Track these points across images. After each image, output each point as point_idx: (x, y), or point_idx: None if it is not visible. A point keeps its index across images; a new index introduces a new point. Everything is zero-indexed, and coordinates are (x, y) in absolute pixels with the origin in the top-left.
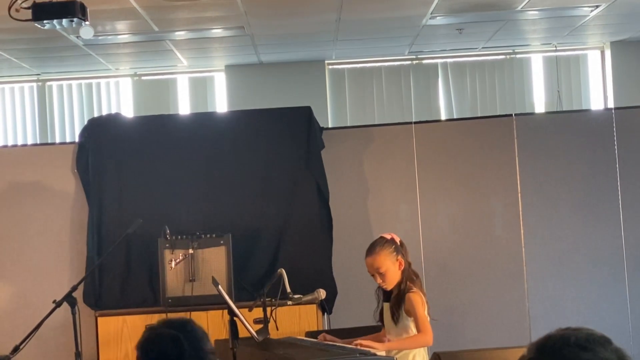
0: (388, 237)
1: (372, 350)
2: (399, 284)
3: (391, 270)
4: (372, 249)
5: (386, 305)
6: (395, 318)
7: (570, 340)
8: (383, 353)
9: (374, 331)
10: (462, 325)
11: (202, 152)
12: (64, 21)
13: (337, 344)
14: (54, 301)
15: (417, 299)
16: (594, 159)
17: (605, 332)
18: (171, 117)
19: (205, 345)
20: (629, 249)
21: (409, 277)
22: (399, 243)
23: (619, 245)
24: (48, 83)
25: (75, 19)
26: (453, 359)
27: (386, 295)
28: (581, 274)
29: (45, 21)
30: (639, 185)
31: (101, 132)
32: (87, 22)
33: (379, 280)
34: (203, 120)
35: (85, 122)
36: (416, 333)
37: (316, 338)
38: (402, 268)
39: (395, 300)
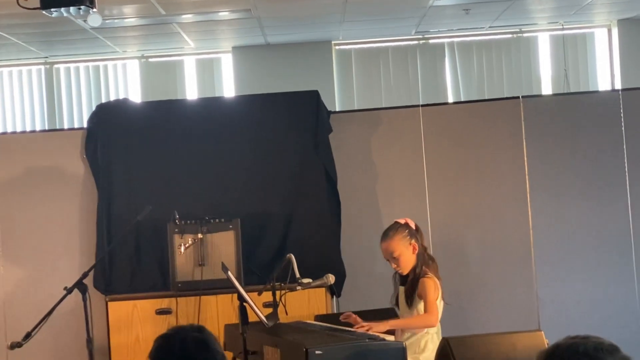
0: (402, 222)
1: (373, 330)
2: (414, 268)
3: (405, 254)
4: (386, 234)
5: (402, 289)
6: (409, 302)
7: (579, 350)
8: (391, 337)
9: (382, 314)
10: (471, 308)
11: (210, 137)
12: (72, 9)
13: (346, 329)
14: (65, 288)
15: (430, 284)
16: (601, 141)
17: (613, 314)
18: (179, 102)
19: (221, 349)
20: (636, 230)
21: (425, 261)
22: (414, 227)
23: (626, 227)
24: (56, 66)
25: (83, 7)
26: (462, 344)
27: (403, 279)
28: (589, 255)
29: (53, 9)
30: None
31: (109, 118)
32: (94, 10)
33: (394, 265)
34: (211, 105)
35: (93, 105)
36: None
37: (328, 322)
38: (417, 252)
39: (410, 284)
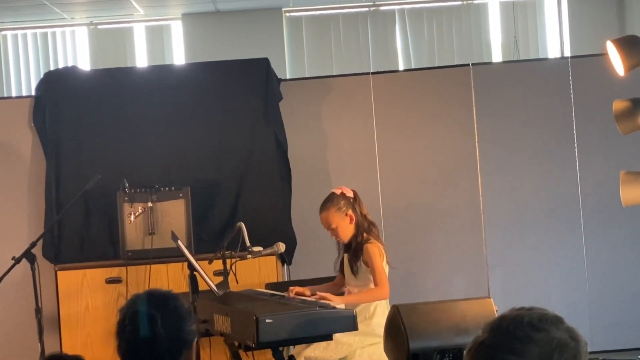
0: (337, 192)
1: (331, 304)
2: (355, 237)
3: (342, 225)
4: (322, 206)
5: (346, 256)
6: (355, 270)
7: (524, 321)
8: (342, 305)
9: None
10: (421, 274)
11: (160, 105)
12: None
13: (297, 297)
14: (13, 257)
15: (375, 250)
16: (551, 108)
17: (562, 277)
18: (129, 70)
19: (185, 326)
20: (584, 196)
21: (365, 228)
22: (351, 196)
23: (575, 193)
24: (2, 32)
25: None
26: (411, 311)
27: (346, 246)
28: (538, 221)
29: None
30: (594, 133)
31: (58, 86)
32: None
33: (333, 236)
34: (161, 73)
35: (42, 73)
36: (374, 285)
37: (279, 290)
38: (354, 221)
39: (353, 252)
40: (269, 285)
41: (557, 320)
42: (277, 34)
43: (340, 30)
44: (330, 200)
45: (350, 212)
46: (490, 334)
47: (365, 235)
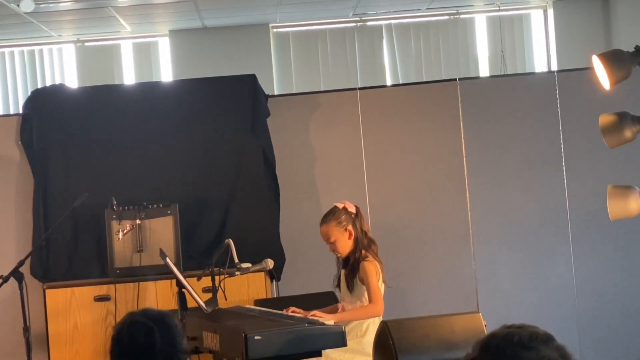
0: (340, 206)
1: (321, 320)
2: (353, 252)
3: (340, 239)
4: (323, 219)
5: (343, 272)
6: (350, 286)
7: (514, 339)
8: (331, 321)
9: (323, 297)
10: (409, 289)
11: (147, 122)
12: None
13: (286, 314)
14: (1, 276)
15: (371, 268)
16: (538, 122)
17: (550, 292)
18: (116, 87)
19: (178, 343)
20: (572, 210)
21: (364, 245)
22: (353, 211)
23: (563, 207)
24: None
25: None
26: (400, 327)
27: (344, 262)
28: (527, 235)
29: None
30: (581, 147)
31: (45, 103)
32: None
33: (331, 249)
34: (148, 90)
35: (29, 91)
36: (368, 302)
37: (268, 306)
38: (353, 237)
39: (350, 268)
40: (258, 302)
41: (548, 339)
42: (264, 50)
43: (327, 45)
44: (331, 214)
45: (350, 227)
46: (480, 353)
47: (363, 252)
